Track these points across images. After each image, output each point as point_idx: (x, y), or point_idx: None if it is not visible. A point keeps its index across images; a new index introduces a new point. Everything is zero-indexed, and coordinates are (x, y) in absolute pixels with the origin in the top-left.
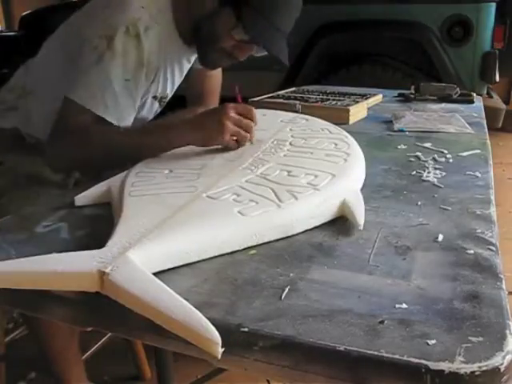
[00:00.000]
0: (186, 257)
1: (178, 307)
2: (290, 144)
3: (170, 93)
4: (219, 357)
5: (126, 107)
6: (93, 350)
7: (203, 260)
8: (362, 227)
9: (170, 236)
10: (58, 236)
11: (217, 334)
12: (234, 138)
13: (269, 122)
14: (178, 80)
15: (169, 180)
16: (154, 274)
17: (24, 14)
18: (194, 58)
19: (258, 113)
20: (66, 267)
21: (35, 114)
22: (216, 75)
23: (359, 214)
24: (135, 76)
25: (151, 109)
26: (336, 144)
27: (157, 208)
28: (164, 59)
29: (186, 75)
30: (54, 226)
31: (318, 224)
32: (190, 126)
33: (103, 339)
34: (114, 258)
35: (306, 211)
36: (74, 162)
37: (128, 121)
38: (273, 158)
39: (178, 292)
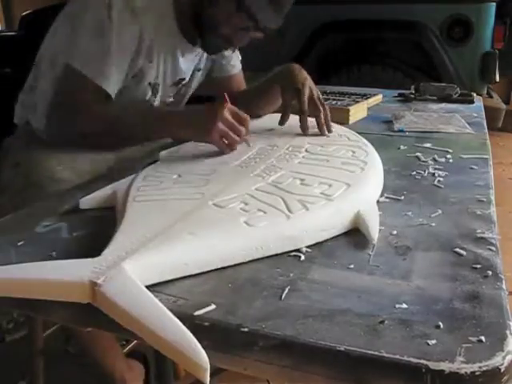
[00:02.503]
0: (185, 269)
1: (168, 327)
2: (306, 151)
3: (163, 82)
4: (207, 382)
5: (116, 77)
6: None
7: None
8: (375, 241)
9: (170, 246)
10: (58, 236)
11: (206, 358)
12: (226, 141)
13: (286, 128)
14: (170, 72)
15: (176, 185)
16: (152, 284)
17: (24, 13)
18: (188, 54)
19: (276, 117)
20: (57, 276)
21: (39, 101)
22: (241, 74)
23: (373, 228)
24: (128, 48)
25: (143, 94)
26: (354, 152)
27: (160, 215)
28: (160, 43)
29: (205, 82)
30: (54, 226)
31: (329, 237)
32: (184, 119)
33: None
34: (108, 268)
35: (317, 223)
36: (72, 135)
37: (115, 91)
38: (286, 165)
39: (177, 292)
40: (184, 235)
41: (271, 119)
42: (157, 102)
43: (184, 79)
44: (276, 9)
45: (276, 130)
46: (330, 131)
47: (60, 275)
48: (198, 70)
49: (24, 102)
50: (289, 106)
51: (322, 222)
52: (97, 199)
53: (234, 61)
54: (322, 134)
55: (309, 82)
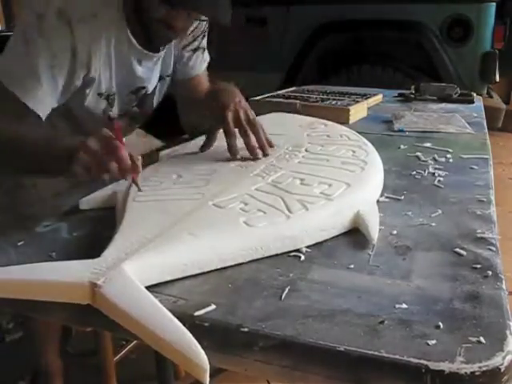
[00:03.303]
0: (185, 269)
1: (168, 327)
2: (306, 150)
3: (118, 94)
4: (207, 383)
5: (47, 94)
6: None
7: None
8: (375, 241)
9: (169, 247)
10: (58, 236)
11: (206, 359)
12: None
13: (286, 127)
14: (129, 81)
15: (176, 186)
16: (152, 285)
17: None
18: (147, 62)
19: (276, 116)
20: (57, 277)
21: None
22: (203, 76)
23: (373, 228)
24: (61, 63)
25: (96, 106)
26: (354, 151)
27: (159, 216)
28: (106, 54)
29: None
30: (54, 226)
31: (329, 237)
32: (49, 150)
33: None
34: (107, 269)
35: (317, 223)
36: None
37: (47, 109)
38: (286, 165)
39: (177, 292)
40: (184, 236)
41: (272, 118)
42: (116, 112)
43: (144, 87)
44: None
45: (275, 129)
46: (265, 155)
47: (60, 276)
48: (166, 77)
49: None
50: (213, 133)
51: (321, 221)
52: (97, 200)
53: (194, 63)
54: (253, 157)
55: (238, 105)
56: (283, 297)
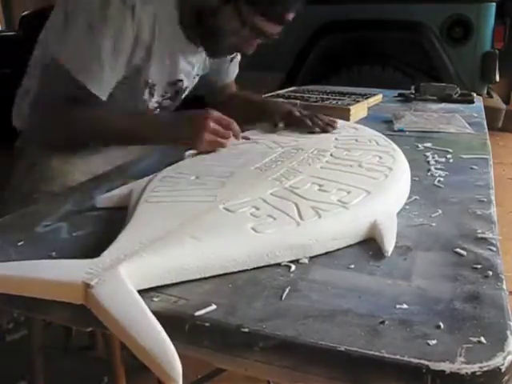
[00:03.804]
0: (186, 273)
1: (150, 336)
2: (331, 155)
3: (159, 84)
4: None
5: (108, 78)
6: None
7: None
8: (389, 254)
9: (169, 250)
10: (58, 236)
11: (180, 372)
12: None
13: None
14: (169, 72)
15: (191, 187)
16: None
17: (24, 13)
18: (190, 57)
19: None
20: (53, 275)
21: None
22: (229, 85)
23: (388, 239)
24: (124, 48)
25: (140, 94)
26: (380, 157)
27: (166, 217)
28: (160, 43)
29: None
30: (54, 226)
31: (341, 246)
32: (172, 128)
33: None
34: (103, 270)
35: (329, 232)
36: (55, 140)
37: (107, 92)
38: (307, 170)
39: (178, 292)
40: (186, 239)
41: None
42: (153, 103)
43: (181, 81)
44: (279, 15)
45: (303, 132)
46: (334, 127)
47: (55, 274)
48: (196, 76)
49: (20, 106)
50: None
51: (334, 230)
52: (113, 198)
53: (230, 71)
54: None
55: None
56: (283, 297)
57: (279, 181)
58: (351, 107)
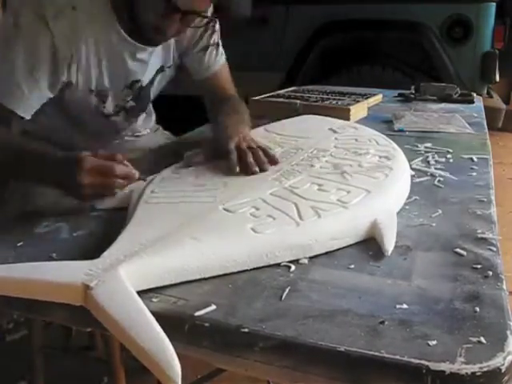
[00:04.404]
0: (186, 274)
1: (149, 336)
2: (331, 155)
3: (110, 88)
4: None
5: (30, 97)
6: None
7: None
8: (389, 253)
9: (169, 251)
10: (58, 236)
11: (179, 372)
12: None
13: (314, 130)
14: (123, 75)
15: (191, 188)
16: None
17: None
18: (140, 54)
19: (306, 119)
20: (53, 277)
21: None
22: (222, 70)
23: (388, 239)
24: (41, 62)
25: (87, 102)
26: (380, 157)
27: (166, 218)
28: (93, 49)
29: (188, 83)
30: (54, 226)
31: (342, 246)
32: (52, 176)
33: None
34: (103, 271)
35: (328, 231)
36: None
37: (33, 109)
38: (307, 170)
39: (177, 292)
40: (186, 240)
41: (301, 121)
42: (108, 109)
43: (139, 81)
44: None
45: (303, 132)
46: (262, 170)
47: (55, 276)
48: (166, 68)
49: None
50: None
51: (333, 230)
52: (113, 199)
53: (208, 62)
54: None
55: (242, 138)
56: (283, 297)
57: (279, 181)
58: (351, 107)
